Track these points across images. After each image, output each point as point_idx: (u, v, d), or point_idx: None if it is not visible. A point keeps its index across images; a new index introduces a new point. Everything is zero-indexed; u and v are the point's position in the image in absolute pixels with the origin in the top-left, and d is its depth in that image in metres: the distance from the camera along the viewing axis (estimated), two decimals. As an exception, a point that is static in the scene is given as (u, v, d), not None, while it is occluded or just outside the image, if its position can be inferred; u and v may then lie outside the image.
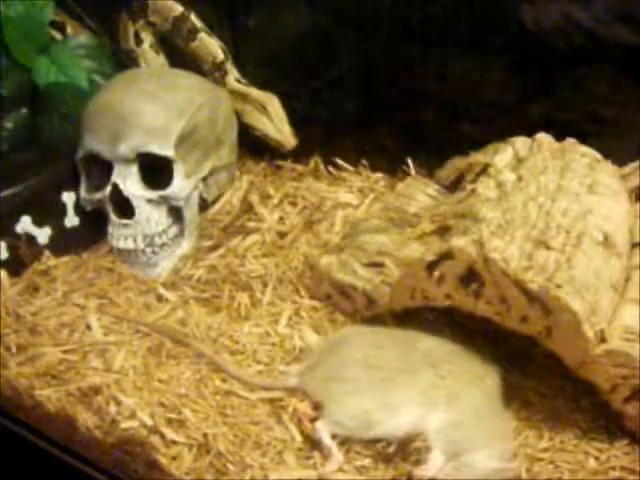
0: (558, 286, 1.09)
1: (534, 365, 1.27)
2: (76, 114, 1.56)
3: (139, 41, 1.71)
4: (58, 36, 1.71)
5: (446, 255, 1.17)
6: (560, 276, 1.10)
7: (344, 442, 1.16)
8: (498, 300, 1.14)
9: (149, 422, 1.18)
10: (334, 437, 1.15)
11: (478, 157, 1.40)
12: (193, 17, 1.68)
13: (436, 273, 1.19)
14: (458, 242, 1.16)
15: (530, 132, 1.41)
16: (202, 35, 1.68)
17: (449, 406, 1.15)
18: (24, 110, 1.65)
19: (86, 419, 1.22)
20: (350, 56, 1.69)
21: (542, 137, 1.37)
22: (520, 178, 1.27)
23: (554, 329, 1.11)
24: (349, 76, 1.71)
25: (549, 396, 1.23)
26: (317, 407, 1.19)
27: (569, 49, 1.44)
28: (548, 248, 1.14)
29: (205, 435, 1.17)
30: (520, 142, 1.37)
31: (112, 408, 1.22)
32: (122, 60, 1.73)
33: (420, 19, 1.56)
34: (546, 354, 1.18)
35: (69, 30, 1.73)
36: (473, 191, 1.29)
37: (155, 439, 1.17)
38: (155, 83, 1.53)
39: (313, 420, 1.18)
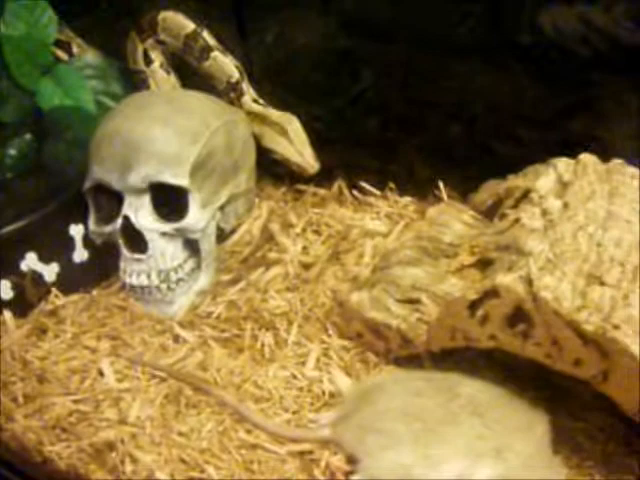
0: (616, 327, 1.00)
1: (580, 404, 1.18)
2: (83, 139, 1.47)
3: (148, 61, 1.62)
4: (64, 56, 1.63)
5: (491, 293, 1.08)
6: (617, 315, 1.01)
7: (382, 500, 1.07)
8: (549, 342, 1.05)
9: (169, 483, 1.11)
10: (371, 494, 1.07)
11: (517, 181, 1.30)
12: (206, 34, 1.58)
13: (479, 313, 1.10)
14: (504, 279, 1.06)
15: (566, 149, 1.31)
16: (216, 54, 1.58)
17: (497, 459, 1.07)
18: (28, 136, 1.57)
19: (100, 479, 1.14)
20: (372, 72, 1.63)
21: (586, 158, 1.26)
22: (566, 205, 1.16)
23: (611, 373, 1.03)
24: (371, 93, 1.65)
25: (600, 439, 1.14)
26: (352, 461, 1.11)
27: (591, 56, 1.38)
28: (602, 284, 1.05)
29: (230, 495, 1.09)
30: (562, 164, 1.26)
31: (128, 467, 1.13)
32: (131, 81, 1.64)
33: (442, 31, 1.50)
34: (593, 393, 1.09)
35: (75, 49, 1.65)
36: (516, 220, 1.19)
37: (175, 502, 1.09)
38: (167, 107, 1.43)
39: (347, 475, 1.10)
